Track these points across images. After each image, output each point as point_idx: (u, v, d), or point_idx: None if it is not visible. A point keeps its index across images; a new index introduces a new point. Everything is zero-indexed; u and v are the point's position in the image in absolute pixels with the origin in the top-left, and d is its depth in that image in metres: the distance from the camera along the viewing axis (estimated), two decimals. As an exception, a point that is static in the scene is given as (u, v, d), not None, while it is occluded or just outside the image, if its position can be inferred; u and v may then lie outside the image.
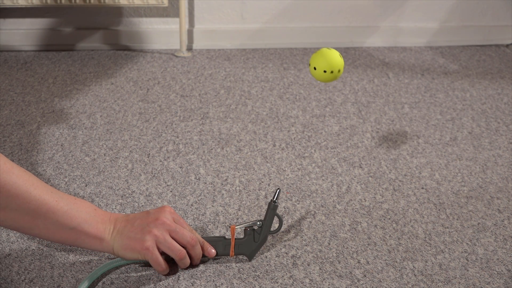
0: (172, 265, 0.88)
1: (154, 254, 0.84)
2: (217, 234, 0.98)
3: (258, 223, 0.90)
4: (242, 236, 0.93)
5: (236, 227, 0.90)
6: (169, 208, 0.87)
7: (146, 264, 0.90)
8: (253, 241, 0.90)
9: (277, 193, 0.89)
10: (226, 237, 0.92)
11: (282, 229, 0.99)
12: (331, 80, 0.94)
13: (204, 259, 0.91)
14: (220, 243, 0.90)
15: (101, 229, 0.83)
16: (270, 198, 1.08)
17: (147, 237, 0.83)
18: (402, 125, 1.37)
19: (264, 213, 1.00)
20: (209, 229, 0.99)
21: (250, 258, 0.91)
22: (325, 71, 0.93)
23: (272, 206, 0.89)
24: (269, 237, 0.97)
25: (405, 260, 0.93)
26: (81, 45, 1.77)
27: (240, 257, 0.92)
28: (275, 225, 0.94)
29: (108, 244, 0.84)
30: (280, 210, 1.04)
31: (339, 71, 0.94)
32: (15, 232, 0.96)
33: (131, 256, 0.84)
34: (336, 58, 0.93)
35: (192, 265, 0.89)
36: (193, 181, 1.12)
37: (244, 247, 0.90)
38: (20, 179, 0.77)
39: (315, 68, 0.94)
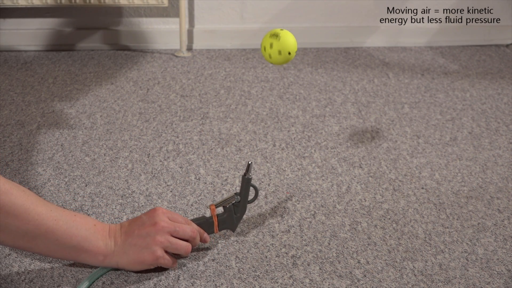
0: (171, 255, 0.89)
1: (165, 259, 0.86)
2: (218, 235, 0.98)
3: (237, 197, 0.92)
4: (221, 212, 0.95)
5: (216, 206, 0.92)
6: (160, 209, 0.88)
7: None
8: (234, 214, 0.93)
9: (248, 167, 0.91)
10: (207, 216, 0.94)
11: (282, 226, 0.99)
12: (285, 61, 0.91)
13: (205, 259, 0.91)
14: (205, 224, 0.93)
15: (102, 246, 0.84)
16: (270, 198, 1.08)
17: (154, 247, 0.84)
18: (402, 125, 1.37)
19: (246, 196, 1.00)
20: (209, 229, 0.99)
21: (234, 230, 0.95)
22: (289, 53, 0.90)
23: (246, 180, 0.92)
24: (269, 238, 0.97)
25: (405, 260, 0.93)
26: (81, 45, 1.77)
27: (240, 257, 0.92)
28: (251, 195, 0.97)
29: (111, 260, 0.85)
30: (280, 210, 1.04)
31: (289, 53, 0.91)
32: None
33: (141, 268, 0.86)
34: (289, 39, 0.90)
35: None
36: (193, 181, 1.13)
37: (227, 222, 0.93)
38: (18, 199, 0.77)
39: (280, 52, 0.90)
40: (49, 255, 0.84)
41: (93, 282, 0.86)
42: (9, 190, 0.76)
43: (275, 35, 0.90)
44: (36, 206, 0.78)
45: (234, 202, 0.93)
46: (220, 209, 0.98)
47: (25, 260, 0.90)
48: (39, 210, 0.78)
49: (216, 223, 0.92)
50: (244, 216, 1.02)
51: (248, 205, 1.05)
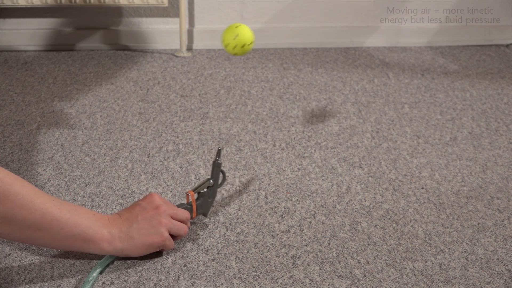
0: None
1: (170, 240, 0.89)
2: (218, 234, 0.98)
3: (210, 181, 0.97)
4: (196, 198, 0.98)
5: (194, 192, 0.96)
6: (156, 195, 0.91)
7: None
8: (208, 199, 0.98)
9: (218, 153, 0.98)
10: (184, 202, 0.98)
11: (282, 226, 0.99)
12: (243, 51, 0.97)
13: (205, 259, 0.91)
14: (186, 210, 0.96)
15: (105, 233, 0.85)
16: (270, 198, 1.08)
17: (161, 229, 0.88)
18: (402, 125, 1.37)
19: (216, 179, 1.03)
20: (209, 229, 0.99)
21: (207, 215, 0.99)
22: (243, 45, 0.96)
23: (217, 164, 0.98)
24: (269, 238, 0.97)
25: (405, 260, 0.93)
26: (81, 45, 1.77)
27: (240, 257, 0.92)
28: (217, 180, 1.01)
29: (116, 247, 0.86)
30: (280, 210, 1.04)
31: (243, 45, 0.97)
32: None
33: (147, 252, 0.89)
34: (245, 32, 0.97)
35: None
36: (193, 181, 1.12)
37: (203, 207, 0.98)
38: (23, 189, 0.77)
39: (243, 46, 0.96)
40: (53, 247, 0.84)
41: (101, 272, 0.87)
42: (13, 181, 0.76)
43: (236, 33, 0.96)
44: (39, 196, 0.79)
45: (208, 186, 0.97)
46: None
47: (25, 260, 0.90)
48: (43, 200, 0.79)
49: (194, 208, 0.96)
50: (244, 216, 1.02)
51: (247, 205, 1.05)
